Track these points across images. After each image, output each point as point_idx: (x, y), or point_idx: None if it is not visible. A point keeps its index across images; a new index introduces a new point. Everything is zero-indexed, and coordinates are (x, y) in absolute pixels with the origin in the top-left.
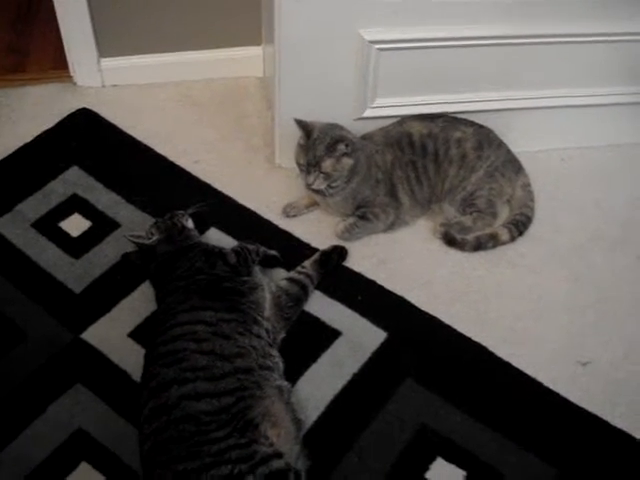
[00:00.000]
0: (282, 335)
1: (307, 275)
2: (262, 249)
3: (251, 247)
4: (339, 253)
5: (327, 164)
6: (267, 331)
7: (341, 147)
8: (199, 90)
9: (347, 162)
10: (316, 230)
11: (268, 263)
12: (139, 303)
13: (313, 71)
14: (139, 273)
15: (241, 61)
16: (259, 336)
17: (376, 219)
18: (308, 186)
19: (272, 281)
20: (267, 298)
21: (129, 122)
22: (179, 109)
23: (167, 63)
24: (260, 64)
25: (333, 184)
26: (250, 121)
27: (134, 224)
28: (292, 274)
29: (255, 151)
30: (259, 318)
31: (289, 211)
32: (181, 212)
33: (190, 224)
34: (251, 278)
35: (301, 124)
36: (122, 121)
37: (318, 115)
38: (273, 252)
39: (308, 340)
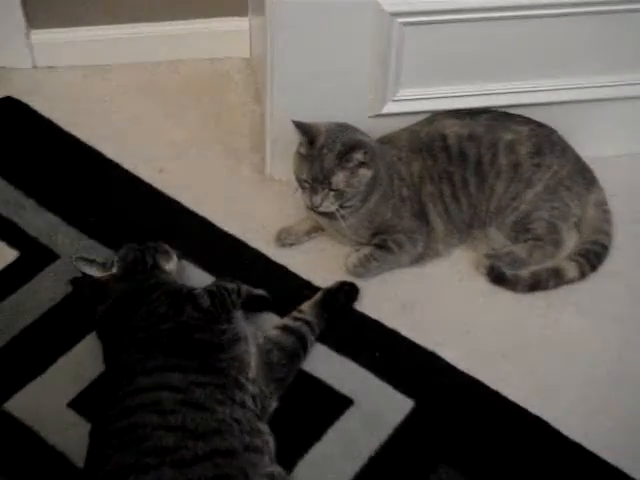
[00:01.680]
0: (274, 404)
1: (305, 322)
2: (245, 288)
3: (230, 286)
4: (347, 292)
5: (339, 179)
6: (254, 398)
7: (357, 156)
8: (165, 75)
9: (365, 174)
10: (320, 263)
11: (254, 306)
12: (84, 361)
13: (316, 52)
14: (88, 316)
15: (221, 37)
16: (243, 405)
17: (400, 249)
18: (314, 208)
19: (259, 331)
20: (253, 353)
21: (70, 117)
22: (139, 100)
23: (122, 38)
24: (246, 41)
25: (346, 204)
26: (232, 117)
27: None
28: (286, 321)
29: (239, 157)
30: (243, 380)
31: (284, 238)
32: (163, 246)
33: (171, 265)
34: (231, 327)
35: (302, 127)
36: (61, 115)
37: (322, 111)
38: (260, 292)
39: (310, 411)
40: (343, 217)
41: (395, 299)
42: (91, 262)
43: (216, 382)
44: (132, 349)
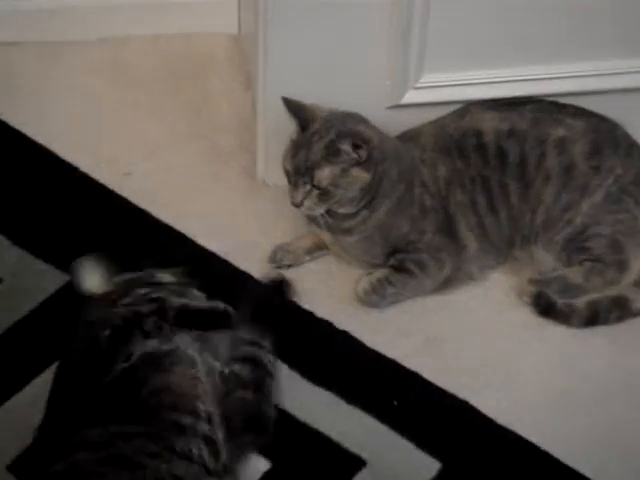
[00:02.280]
0: (243, 458)
1: (251, 342)
2: (180, 302)
3: (166, 282)
4: (277, 289)
5: (324, 174)
6: (209, 443)
7: (348, 149)
8: (135, 54)
9: (358, 176)
10: (324, 289)
11: (209, 324)
12: (28, 411)
13: (322, 27)
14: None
15: (204, 8)
16: (189, 456)
17: (422, 271)
18: (294, 205)
19: (218, 358)
20: (203, 384)
21: (10, 106)
22: (100, 86)
23: (82, 7)
24: (234, 14)
25: (336, 209)
26: (217, 108)
27: (23, 279)
28: (241, 347)
29: (225, 158)
30: (187, 421)
31: (281, 258)
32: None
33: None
34: (167, 345)
35: (294, 108)
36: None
37: (328, 101)
38: (219, 305)
39: (312, 474)
40: (330, 227)
41: (417, 333)
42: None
43: (147, 430)
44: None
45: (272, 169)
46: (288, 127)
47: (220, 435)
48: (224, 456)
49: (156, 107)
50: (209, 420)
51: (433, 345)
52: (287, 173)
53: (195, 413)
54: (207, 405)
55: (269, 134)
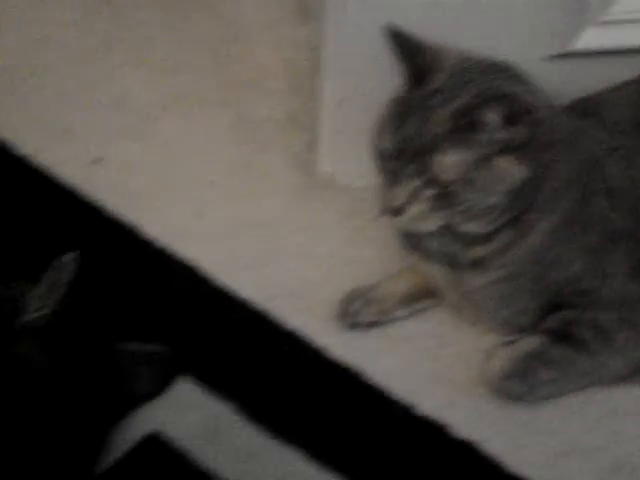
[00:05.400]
0: None
1: None
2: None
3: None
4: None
5: (449, 162)
6: None
7: (491, 119)
8: None
9: (509, 171)
10: (427, 367)
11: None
12: None
13: None
14: None
15: None
16: None
17: (605, 345)
18: (392, 212)
19: None
20: None
21: None
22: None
23: None
24: None
25: (463, 223)
26: (252, 52)
27: None
28: None
29: (263, 138)
30: None
31: (358, 312)
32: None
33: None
34: None
35: (403, 44)
36: None
37: (450, 44)
38: (153, 349)
39: None
40: (447, 256)
41: (602, 459)
42: None
43: None
44: None
45: (345, 158)
46: (381, 84)
47: None
48: None
49: (154, 44)
50: None
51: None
52: (381, 157)
53: None
54: None
55: (342, 97)
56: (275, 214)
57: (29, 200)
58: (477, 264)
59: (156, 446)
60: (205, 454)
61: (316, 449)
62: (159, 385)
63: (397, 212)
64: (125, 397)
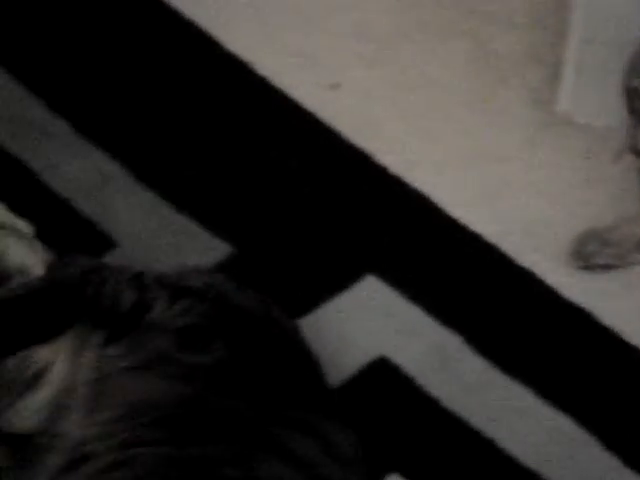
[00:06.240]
0: None
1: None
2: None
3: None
4: None
5: None
6: None
7: None
8: None
9: None
10: None
11: None
12: None
13: None
14: None
15: None
16: None
17: None
18: (634, 151)
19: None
20: None
21: None
22: None
23: None
24: None
25: None
26: None
27: None
28: None
29: (500, 71)
30: None
31: (594, 253)
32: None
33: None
34: None
35: None
36: None
37: None
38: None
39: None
40: None
41: None
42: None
43: None
44: None
45: (587, 96)
46: (634, 21)
47: None
48: None
49: None
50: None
51: None
52: (631, 96)
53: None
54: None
55: (592, 34)
56: (510, 149)
57: (267, 123)
58: None
59: (384, 370)
60: (431, 382)
61: (545, 387)
62: None
63: None
64: None
